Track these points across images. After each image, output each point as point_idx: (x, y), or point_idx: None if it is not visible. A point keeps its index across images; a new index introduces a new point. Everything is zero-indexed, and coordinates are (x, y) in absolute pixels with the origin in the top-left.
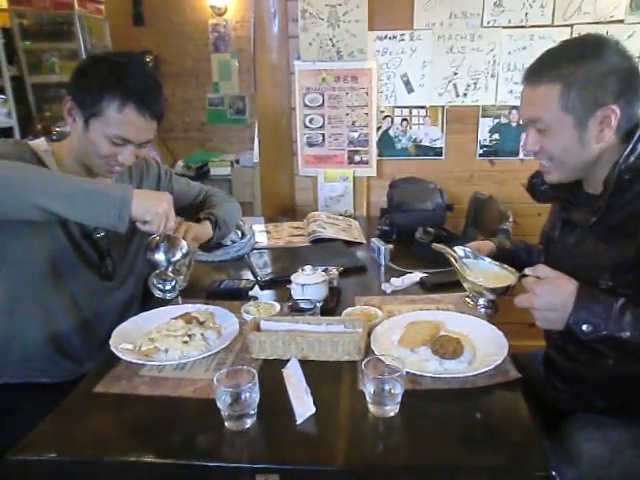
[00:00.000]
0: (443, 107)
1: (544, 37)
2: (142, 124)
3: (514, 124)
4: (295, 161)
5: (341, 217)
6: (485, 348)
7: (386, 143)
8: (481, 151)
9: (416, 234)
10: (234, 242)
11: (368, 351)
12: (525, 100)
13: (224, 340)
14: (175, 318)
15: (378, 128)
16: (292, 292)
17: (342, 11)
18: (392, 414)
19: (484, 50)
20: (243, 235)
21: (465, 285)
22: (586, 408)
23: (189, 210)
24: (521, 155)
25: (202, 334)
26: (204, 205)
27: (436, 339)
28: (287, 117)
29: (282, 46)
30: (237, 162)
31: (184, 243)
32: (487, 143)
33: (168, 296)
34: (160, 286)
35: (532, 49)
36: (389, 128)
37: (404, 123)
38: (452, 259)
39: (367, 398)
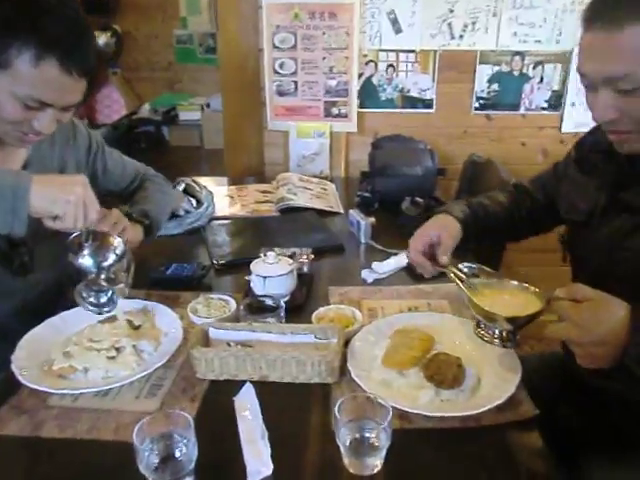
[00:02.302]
0: (435, 51)
1: None
2: (67, 83)
3: (516, 73)
4: (264, 112)
5: (315, 180)
6: (491, 370)
7: (369, 93)
8: (477, 104)
9: (402, 205)
10: (188, 212)
11: (344, 369)
12: (598, 52)
13: (163, 354)
14: (102, 322)
15: (360, 75)
16: (251, 285)
17: None
18: (375, 471)
19: None
20: (199, 203)
21: (475, 313)
22: (612, 440)
23: (119, 198)
24: (522, 109)
25: (134, 346)
26: (136, 194)
27: (431, 359)
28: (254, 60)
29: None
30: (208, 106)
31: (118, 240)
32: (484, 95)
33: (105, 312)
34: (92, 300)
35: None
36: (372, 75)
37: (390, 70)
38: (457, 281)
39: (341, 449)
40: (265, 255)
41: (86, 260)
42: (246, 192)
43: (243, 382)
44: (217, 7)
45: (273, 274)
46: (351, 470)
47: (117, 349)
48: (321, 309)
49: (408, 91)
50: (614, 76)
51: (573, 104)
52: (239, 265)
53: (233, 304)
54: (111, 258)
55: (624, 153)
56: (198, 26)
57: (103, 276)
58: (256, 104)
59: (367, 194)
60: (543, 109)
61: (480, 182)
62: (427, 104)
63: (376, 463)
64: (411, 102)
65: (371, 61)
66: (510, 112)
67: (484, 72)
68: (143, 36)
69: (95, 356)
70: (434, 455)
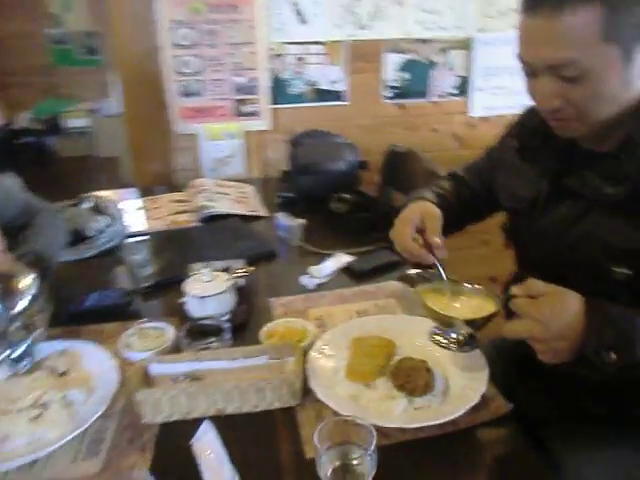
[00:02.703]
0: (344, 42)
1: None
2: None
3: (424, 61)
4: (169, 115)
5: (233, 183)
6: (457, 369)
7: (278, 89)
8: (389, 93)
9: (330, 203)
10: (101, 232)
11: (306, 389)
12: (540, 38)
13: (98, 402)
14: (17, 375)
15: (270, 71)
16: (187, 308)
17: None
18: None
19: None
20: (112, 220)
21: (430, 318)
22: (574, 416)
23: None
24: (432, 96)
25: (62, 398)
26: (25, 231)
27: (397, 367)
28: (153, 60)
29: None
30: (95, 111)
31: (28, 279)
32: (395, 84)
33: (21, 368)
34: (6, 356)
35: None
36: (281, 70)
37: (298, 63)
38: (412, 290)
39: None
40: (198, 272)
41: None
42: (159, 203)
43: (197, 420)
44: (105, 3)
45: (211, 293)
46: None
47: (41, 405)
48: (268, 325)
49: (319, 84)
50: (557, 63)
51: (480, 89)
52: (167, 285)
53: (171, 331)
54: (23, 301)
55: (564, 136)
56: (74, 24)
57: (16, 326)
58: (160, 107)
59: (290, 194)
60: (451, 95)
61: (403, 172)
62: (339, 96)
63: None
64: (323, 95)
65: (278, 55)
66: (421, 100)
67: (393, 61)
68: (12, 36)
69: (14, 419)
70: (419, 469)
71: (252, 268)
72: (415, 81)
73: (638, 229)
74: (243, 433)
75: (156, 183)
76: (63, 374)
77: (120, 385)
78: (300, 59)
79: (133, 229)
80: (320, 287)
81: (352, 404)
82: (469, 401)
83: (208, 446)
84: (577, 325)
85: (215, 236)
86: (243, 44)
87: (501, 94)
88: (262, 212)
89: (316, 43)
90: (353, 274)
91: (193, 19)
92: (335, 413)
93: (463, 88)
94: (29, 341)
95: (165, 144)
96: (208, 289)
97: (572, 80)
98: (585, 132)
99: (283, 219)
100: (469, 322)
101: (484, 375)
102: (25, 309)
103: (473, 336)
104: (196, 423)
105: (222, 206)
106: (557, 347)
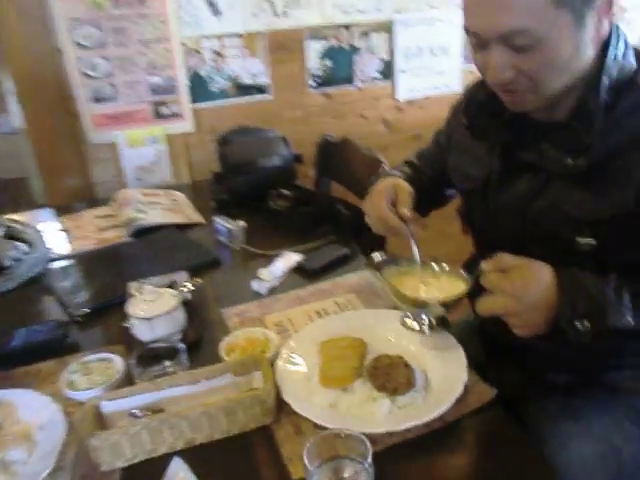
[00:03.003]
0: (262, 33)
1: None
2: None
3: (346, 46)
4: (80, 125)
5: (161, 191)
6: (434, 360)
7: (198, 86)
8: (313, 82)
9: (269, 202)
10: (18, 260)
11: (279, 403)
12: (489, 6)
13: (44, 457)
14: None
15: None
16: (134, 331)
17: None
18: None
19: None
20: (30, 246)
21: (400, 302)
22: (546, 390)
23: None
24: (357, 82)
25: (0, 460)
26: None
27: (375, 366)
28: (53, 63)
29: None
30: None
31: None
32: (319, 72)
33: None
34: None
35: None
36: (199, 66)
37: (216, 58)
38: (378, 275)
39: None
40: (139, 292)
41: None
42: (82, 221)
43: (165, 456)
44: None
45: (159, 312)
46: None
47: None
48: (227, 339)
49: (240, 79)
50: (510, 32)
51: (403, 71)
52: (106, 310)
53: (118, 361)
54: None
55: (517, 111)
56: None
57: None
58: (68, 116)
59: (224, 196)
60: (376, 79)
61: (338, 162)
62: (262, 89)
63: None
64: (245, 90)
65: (194, 50)
66: (346, 86)
67: (315, 48)
68: None
69: None
70: (414, 472)
71: (199, 280)
72: (339, 68)
73: (601, 199)
74: (218, 463)
75: (74, 200)
76: None
77: (68, 433)
78: (217, 54)
79: (56, 253)
80: (273, 291)
81: (332, 412)
82: (453, 393)
83: None
84: (550, 296)
85: (151, 250)
86: (156, 41)
87: (424, 75)
88: (197, 219)
89: (234, 35)
90: (305, 273)
91: (96, 16)
92: (315, 425)
93: (387, 72)
94: None
95: (79, 157)
96: (155, 309)
97: (524, 49)
98: (538, 105)
99: (222, 223)
100: (444, 303)
101: (462, 362)
102: None
103: (444, 317)
104: (163, 460)
105: (153, 217)
106: (532, 320)
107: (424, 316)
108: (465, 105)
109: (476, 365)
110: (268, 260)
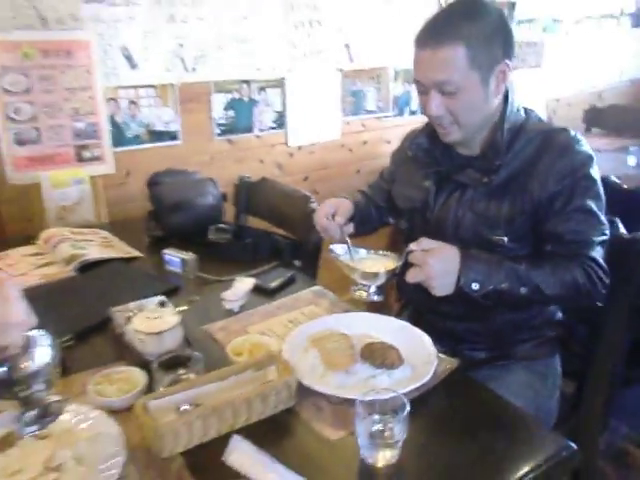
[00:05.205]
0: (173, 85)
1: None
2: None
3: (246, 99)
4: (1, 166)
5: (87, 230)
6: (405, 341)
7: (115, 132)
8: (218, 130)
9: (209, 236)
10: None
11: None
12: (426, 64)
13: (108, 449)
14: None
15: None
16: (142, 347)
17: None
18: (393, 461)
19: (208, 19)
20: None
21: (356, 278)
22: (470, 364)
23: None
24: (256, 131)
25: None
26: None
27: (369, 349)
28: None
29: None
30: None
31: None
32: (223, 122)
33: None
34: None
35: (254, 18)
36: (115, 114)
37: (132, 106)
38: (338, 260)
39: (361, 444)
40: (139, 310)
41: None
42: (11, 259)
43: (212, 441)
44: None
45: (167, 327)
46: (379, 464)
47: (54, 469)
48: (233, 342)
49: (153, 126)
50: (440, 81)
51: (293, 122)
52: (86, 334)
53: (136, 371)
54: (44, 356)
55: (448, 142)
56: None
57: (36, 389)
58: None
59: (158, 232)
60: (272, 128)
61: (256, 199)
62: (173, 136)
63: (394, 454)
64: (158, 136)
65: (112, 99)
66: (246, 134)
67: (220, 100)
68: None
69: None
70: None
71: (186, 308)
72: (240, 118)
73: (507, 205)
74: (269, 439)
75: None
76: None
77: (119, 431)
78: (133, 102)
79: None
80: (241, 309)
81: (342, 390)
82: (431, 363)
83: (245, 457)
84: (456, 266)
85: (111, 281)
86: (80, 89)
87: (311, 126)
88: (135, 253)
89: (148, 86)
90: (264, 292)
91: (24, 64)
92: (329, 399)
93: (281, 122)
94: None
95: None
96: (162, 324)
97: (451, 94)
98: (461, 137)
99: (173, 254)
100: (389, 272)
101: (428, 341)
102: (46, 365)
103: (383, 285)
104: (214, 443)
105: (94, 252)
106: (444, 282)
107: (371, 286)
108: (409, 144)
109: None
110: (224, 285)
